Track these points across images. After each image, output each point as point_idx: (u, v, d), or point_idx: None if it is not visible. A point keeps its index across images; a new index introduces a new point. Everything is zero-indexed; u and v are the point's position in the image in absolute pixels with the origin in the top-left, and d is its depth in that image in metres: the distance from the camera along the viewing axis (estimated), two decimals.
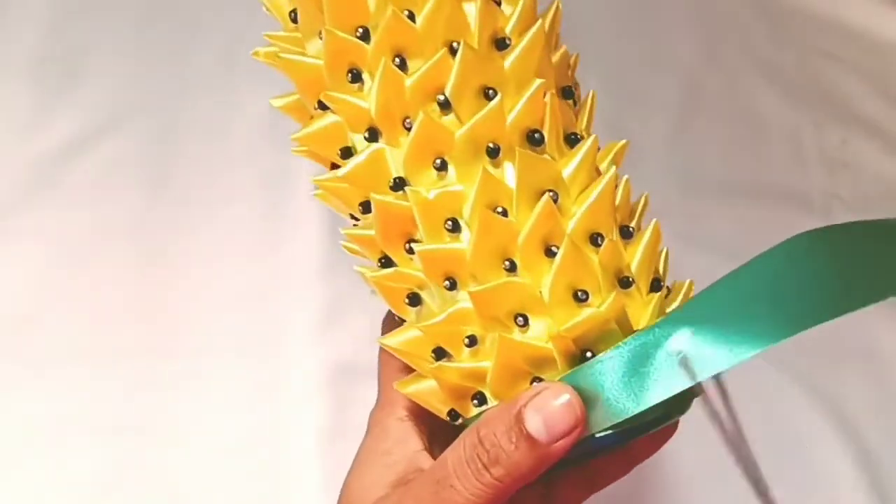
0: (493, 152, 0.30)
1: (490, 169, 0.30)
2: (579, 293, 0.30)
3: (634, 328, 0.30)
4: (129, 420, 0.52)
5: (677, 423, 0.34)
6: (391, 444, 0.33)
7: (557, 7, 0.34)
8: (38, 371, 0.53)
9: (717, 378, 0.29)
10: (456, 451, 0.30)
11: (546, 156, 0.31)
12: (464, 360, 0.31)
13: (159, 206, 0.59)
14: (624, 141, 0.34)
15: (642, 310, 0.31)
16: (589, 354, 0.29)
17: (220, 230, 0.58)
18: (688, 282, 0.33)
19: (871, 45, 0.74)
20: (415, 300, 0.32)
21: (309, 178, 0.34)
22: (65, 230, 0.57)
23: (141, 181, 0.60)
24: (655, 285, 0.32)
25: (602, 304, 0.29)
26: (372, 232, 0.32)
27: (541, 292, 0.30)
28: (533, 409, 0.28)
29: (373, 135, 0.32)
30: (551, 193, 0.30)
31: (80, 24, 0.65)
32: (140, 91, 0.62)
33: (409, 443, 0.33)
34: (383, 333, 0.34)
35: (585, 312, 0.29)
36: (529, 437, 0.28)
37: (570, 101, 0.33)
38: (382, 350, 0.35)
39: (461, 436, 0.30)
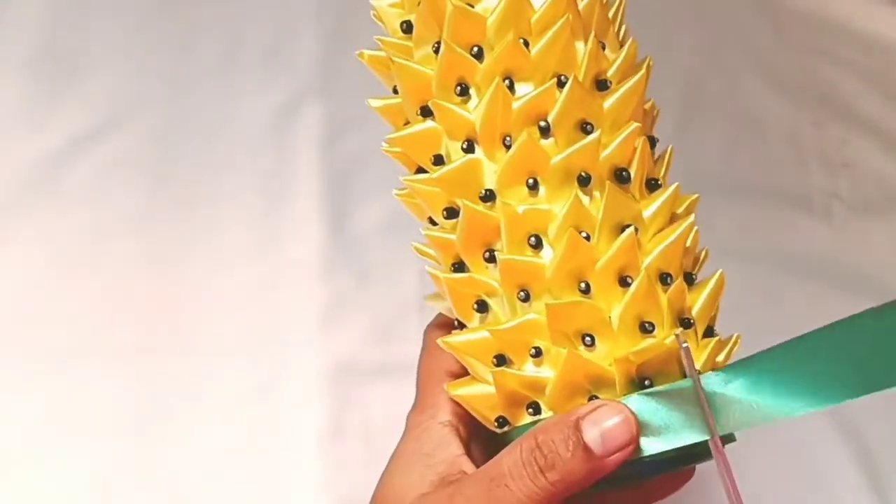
0: (584, 181, 0.32)
1: (580, 195, 0.32)
2: (646, 324, 0.32)
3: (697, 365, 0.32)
4: (129, 420, 0.52)
5: (694, 469, 0.36)
6: (433, 447, 0.34)
7: (649, 65, 0.37)
8: (38, 371, 0.53)
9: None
10: (513, 453, 0.31)
11: (630, 195, 0.33)
12: (526, 369, 0.33)
13: (159, 206, 0.59)
14: (696, 196, 0.37)
15: (699, 352, 0.33)
16: (647, 383, 0.31)
17: (220, 230, 0.58)
18: (735, 335, 0.35)
19: (871, 45, 0.74)
20: (482, 307, 0.34)
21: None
22: (65, 230, 0.57)
23: (141, 181, 0.60)
24: (709, 332, 0.34)
25: (667, 338, 0.31)
26: (453, 236, 0.34)
27: (610, 318, 0.32)
28: (591, 422, 0.30)
29: (470, 146, 0.34)
30: (632, 228, 0.32)
31: (79, 24, 0.65)
32: (140, 91, 0.62)
33: (450, 446, 0.34)
34: (425, 345, 0.36)
35: (650, 342, 0.31)
36: (586, 448, 0.30)
37: (653, 151, 0.36)
38: (425, 354, 0.37)
39: (518, 439, 0.31)
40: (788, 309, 0.61)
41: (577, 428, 0.30)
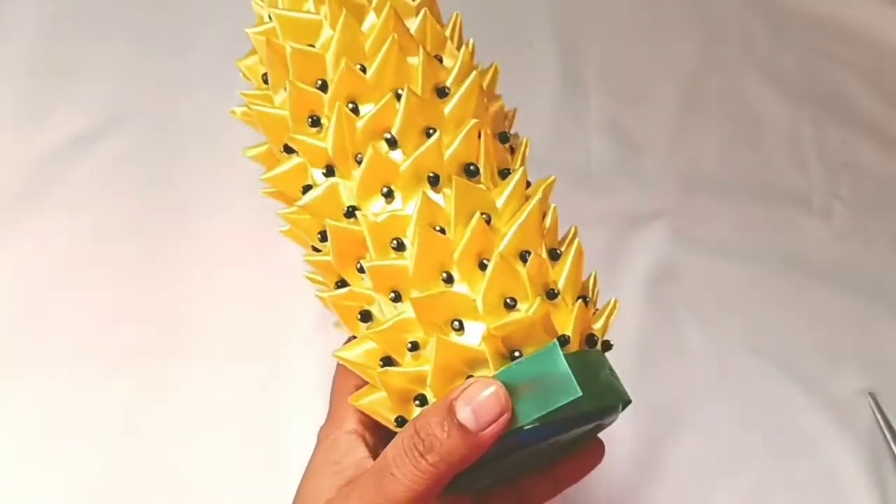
0: (434, 180, 0.35)
1: (430, 194, 0.35)
2: (509, 300, 0.33)
3: (560, 333, 0.33)
4: (129, 420, 0.52)
5: (602, 452, 0.38)
6: (340, 455, 0.36)
7: (495, 69, 0.40)
8: (38, 371, 0.53)
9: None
10: (395, 444, 0.33)
11: (481, 186, 0.35)
12: (407, 364, 0.35)
13: (159, 206, 0.59)
14: (552, 178, 0.38)
15: (567, 317, 0.34)
16: (517, 354, 0.33)
17: (219, 230, 0.58)
18: (613, 300, 0.37)
19: (871, 45, 0.74)
20: (366, 316, 0.36)
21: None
22: (64, 231, 0.57)
23: (140, 181, 0.60)
24: (583, 300, 0.35)
25: (529, 310, 0.33)
26: (329, 257, 0.36)
27: (475, 301, 0.33)
28: (463, 401, 0.32)
29: (329, 171, 0.37)
30: (484, 215, 0.34)
31: (79, 24, 0.65)
32: (140, 91, 0.62)
33: (356, 452, 0.36)
34: (337, 366, 0.39)
35: (513, 315, 0.33)
36: (460, 426, 0.31)
37: (507, 145, 0.38)
38: (336, 374, 0.39)
39: (400, 432, 0.33)
40: (788, 308, 0.61)
41: (450, 409, 0.32)
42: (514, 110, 0.40)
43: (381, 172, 0.35)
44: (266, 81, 0.39)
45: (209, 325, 0.55)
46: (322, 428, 0.38)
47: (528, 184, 0.37)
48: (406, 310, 0.34)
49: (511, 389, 0.32)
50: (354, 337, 0.37)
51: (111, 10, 0.65)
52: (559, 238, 0.37)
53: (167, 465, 0.51)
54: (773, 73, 0.72)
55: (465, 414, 0.31)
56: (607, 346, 0.36)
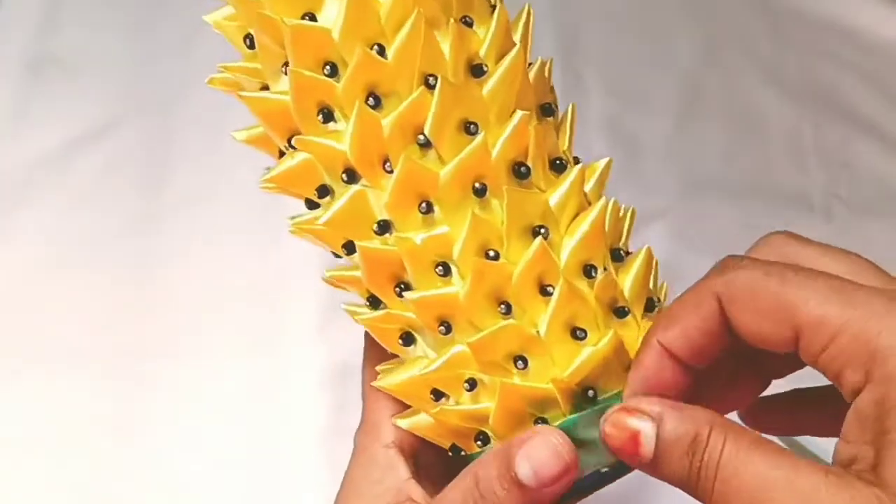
0: (480, 192, 0.30)
1: (477, 210, 0.30)
2: (577, 331, 0.30)
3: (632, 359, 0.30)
4: (129, 420, 0.52)
5: None
6: (380, 474, 0.33)
7: (529, 13, 0.33)
8: (38, 371, 0.53)
9: None
10: (454, 491, 0.30)
11: (534, 188, 0.31)
12: (464, 402, 0.31)
13: (158, 206, 0.59)
14: (607, 159, 0.33)
15: (639, 336, 0.31)
16: (591, 393, 0.30)
17: (219, 230, 0.58)
18: (664, 285, 0.33)
19: (871, 45, 0.74)
20: (408, 340, 0.32)
21: None
22: (64, 231, 0.57)
23: (140, 181, 0.60)
24: (650, 305, 0.32)
25: (600, 342, 0.30)
26: (358, 273, 0.31)
27: (538, 332, 0.30)
28: (523, 457, 0.29)
29: (351, 176, 0.31)
30: (542, 230, 0.30)
31: (79, 24, 0.65)
32: (139, 92, 0.62)
33: (397, 470, 0.33)
34: (366, 351, 0.35)
35: (584, 353, 0.29)
36: (520, 484, 0.29)
37: (551, 119, 0.33)
38: (365, 368, 0.35)
39: (459, 476, 0.30)
40: None
41: (510, 464, 0.29)
42: (551, 61, 0.33)
43: (417, 183, 0.30)
44: (251, 46, 0.32)
45: (209, 324, 0.55)
46: (357, 432, 0.35)
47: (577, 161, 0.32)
48: (459, 343, 0.30)
49: (582, 436, 0.29)
50: (394, 355, 0.33)
51: (111, 9, 0.65)
52: (621, 233, 0.33)
53: (166, 465, 0.51)
54: (773, 73, 0.71)
55: (524, 471, 0.29)
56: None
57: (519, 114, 0.30)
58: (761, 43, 0.73)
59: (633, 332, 0.31)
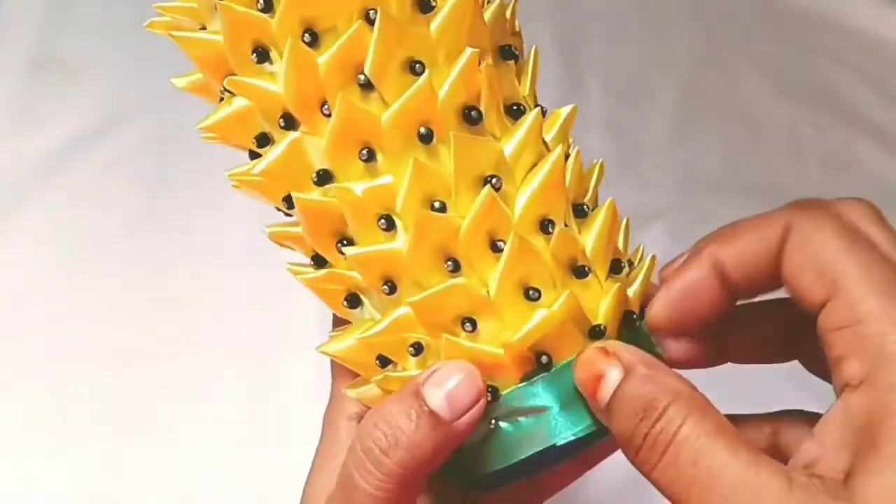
0: (426, 137, 0.27)
1: (422, 158, 0.27)
2: (530, 291, 0.27)
3: (592, 323, 0.28)
4: (129, 420, 0.52)
5: (588, 464, 0.34)
6: (339, 448, 0.31)
7: None
8: (37, 371, 0.53)
9: None
10: (353, 447, 0.28)
11: (487, 135, 0.28)
12: (409, 368, 0.29)
13: (158, 206, 0.59)
14: (572, 106, 0.30)
15: (600, 300, 0.28)
16: (545, 359, 0.28)
17: (219, 230, 0.58)
18: (650, 257, 0.31)
19: (871, 45, 0.74)
20: (354, 301, 0.30)
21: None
22: (64, 230, 0.57)
23: (140, 181, 0.60)
24: (616, 266, 0.29)
25: (554, 304, 0.27)
26: (299, 229, 0.29)
27: (488, 292, 0.27)
28: (433, 385, 0.26)
29: (289, 122, 0.28)
30: (494, 180, 0.27)
31: (79, 25, 0.65)
32: (140, 91, 0.62)
33: None
34: (334, 323, 0.32)
35: (538, 316, 0.27)
36: (432, 414, 0.26)
37: (511, 62, 0.30)
38: None
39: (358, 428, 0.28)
40: None
41: (418, 395, 0.26)
42: (514, 3, 0.31)
43: (357, 128, 0.27)
44: None
45: (209, 324, 0.55)
46: (326, 409, 0.33)
47: (544, 112, 0.29)
48: (404, 304, 0.28)
49: (531, 404, 0.27)
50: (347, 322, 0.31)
51: (112, 9, 0.65)
52: (586, 188, 0.30)
53: (167, 465, 0.51)
54: (773, 73, 0.71)
55: (436, 400, 0.26)
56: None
57: (468, 51, 0.27)
58: (761, 43, 0.73)
59: (594, 293, 0.28)
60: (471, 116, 0.27)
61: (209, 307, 0.56)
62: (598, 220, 0.29)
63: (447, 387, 0.26)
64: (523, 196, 0.28)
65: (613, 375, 0.26)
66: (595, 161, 0.31)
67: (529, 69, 0.30)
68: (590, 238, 0.28)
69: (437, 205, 0.27)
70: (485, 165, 0.27)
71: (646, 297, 0.30)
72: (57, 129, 0.61)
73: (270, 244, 0.59)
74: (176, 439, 0.52)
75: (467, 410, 0.26)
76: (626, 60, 0.70)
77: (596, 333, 0.28)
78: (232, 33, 0.28)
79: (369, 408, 0.29)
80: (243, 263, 0.57)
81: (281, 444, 0.52)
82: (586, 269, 0.28)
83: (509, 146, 0.28)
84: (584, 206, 0.29)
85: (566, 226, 0.28)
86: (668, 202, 0.64)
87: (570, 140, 0.30)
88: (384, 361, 0.29)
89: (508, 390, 0.28)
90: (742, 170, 0.67)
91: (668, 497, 0.25)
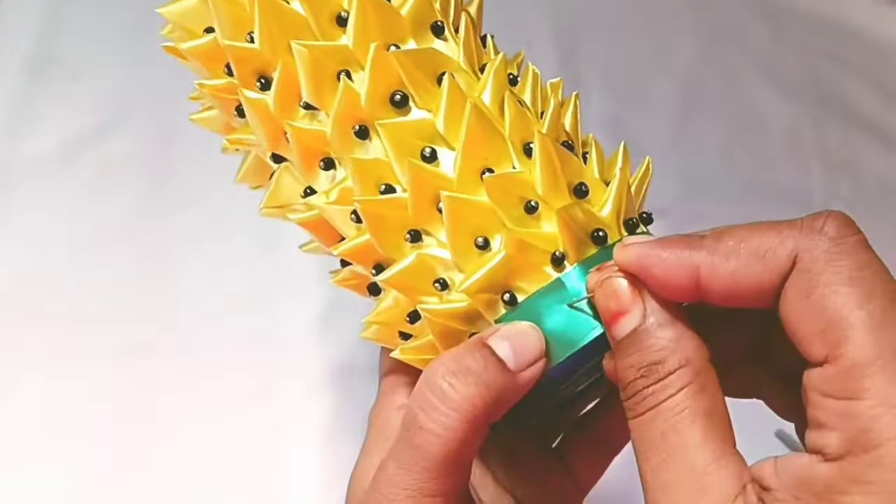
0: (361, 133, 0.31)
1: (360, 153, 0.30)
2: (479, 241, 0.29)
3: (552, 250, 0.29)
4: (128, 420, 0.52)
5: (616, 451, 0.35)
6: (391, 431, 0.31)
7: None
8: (37, 371, 0.53)
9: None
10: (416, 390, 0.28)
11: (416, 112, 0.30)
12: (418, 335, 0.31)
13: (159, 206, 0.59)
14: (502, 53, 0.33)
15: (557, 231, 0.29)
16: (507, 296, 0.29)
17: (219, 229, 0.58)
18: (646, 161, 0.32)
19: (871, 45, 0.74)
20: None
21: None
22: (64, 230, 0.57)
23: (140, 181, 0.60)
24: (579, 190, 0.30)
25: (501, 248, 0.29)
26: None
27: (446, 257, 0.30)
28: (500, 337, 0.28)
29: (276, 159, 0.33)
30: (427, 152, 0.30)
31: (79, 25, 0.65)
32: (140, 91, 0.62)
33: None
34: (382, 353, 0.35)
35: (489, 264, 0.29)
36: (500, 361, 0.27)
37: (442, 38, 0.32)
38: (382, 352, 0.35)
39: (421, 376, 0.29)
40: None
41: (485, 345, 0.27)
42: None
43: (312, 146, 0.31)
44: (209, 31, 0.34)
45: (209, 323, 0.55)
46: (372, 408, 0.34)
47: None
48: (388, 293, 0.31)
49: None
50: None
51: (112, 10, 0.65)
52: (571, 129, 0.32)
53: (167, 465, 0.51)
54: (773, 73, 0.71)
55: (504, 351, 0.27)
56: (647, 219, 0.32)
57: (371, 46, 0.30)
58: (761, 43, 0.73)
59: (549, 223, 0.29)
60: (396, 101, 0.30)
61: (209, 307, 0.56)
62: (536, 151, 0.29)
63: (512, 340, 0.27)
64: (457, 155, 0.29)
65: (634, 319, 0.26)
66: (552, 79, 0.34)
67: (462, 35, 0.32)
68: (536, 172, 0.29)
69: (383, 188, 0.30)
70: (416, 142, 0.30)
71: (631, 204, 0.32)
72: (56, 130, 0.61)
73: (270, 244, 0.59)
74: (175, 439, 0.52)
75: (530, 364, 0.27)
76: (626, 60, 0.70)
77: (559, 260, 0.29)
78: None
79: None
80: (243, 263, 0.58)
81: (281, 444, 0.52)
82: (534, 203, 0.29)
83: (440, 119, 0.30)
84: (570, 143, 0.31)
85: (515, 168, 0.29)
86: (668, 202, 0.64)
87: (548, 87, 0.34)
88: (414, 318, 0.31)
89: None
90: (742, 170, 0.67)
91: (634, 448, 0.26)
